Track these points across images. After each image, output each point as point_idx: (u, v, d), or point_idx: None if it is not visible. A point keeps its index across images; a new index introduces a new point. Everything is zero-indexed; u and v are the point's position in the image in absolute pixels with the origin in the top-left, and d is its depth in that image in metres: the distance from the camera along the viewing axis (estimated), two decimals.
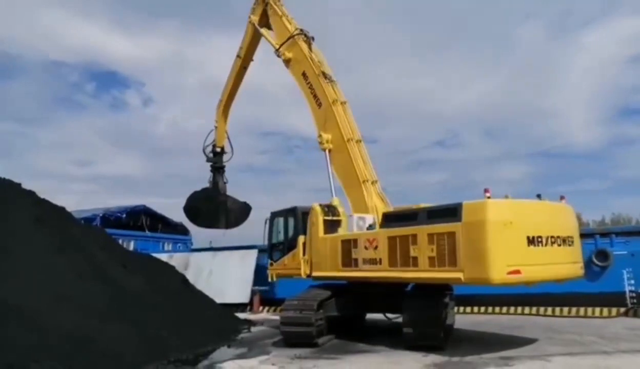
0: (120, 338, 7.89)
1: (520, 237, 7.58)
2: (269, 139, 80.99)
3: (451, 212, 7.96)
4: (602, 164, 69.65)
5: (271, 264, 12.02)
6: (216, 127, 15.73)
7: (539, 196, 8.57)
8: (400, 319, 9.18)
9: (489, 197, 7.69)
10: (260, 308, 15.96)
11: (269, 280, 12.37)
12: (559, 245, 8.08)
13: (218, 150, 15.89)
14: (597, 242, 13.38)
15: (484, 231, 7.43)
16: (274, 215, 12.16)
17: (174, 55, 70.78)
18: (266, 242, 12.35)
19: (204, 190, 16.38)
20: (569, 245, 8.34)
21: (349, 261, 9.67)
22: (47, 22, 63.52)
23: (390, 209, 10.56)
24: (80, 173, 77.84)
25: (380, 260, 8.95)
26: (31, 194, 10.91)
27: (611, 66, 62.99)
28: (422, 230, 8.28)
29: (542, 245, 7.79)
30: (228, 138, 16.14)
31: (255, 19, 13.84)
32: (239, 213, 16.80)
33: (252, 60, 14.76)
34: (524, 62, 65.64)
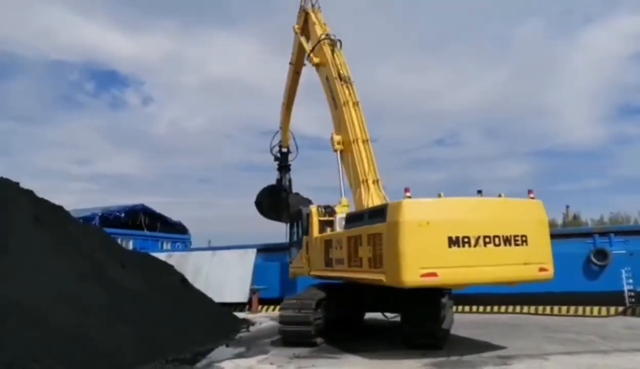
0: (118, 337, 7.88)
1: (439, 238, 7.25)
2: (269, 137, 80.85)
3: (380, 213, 7.88)
4: (601, 163, 69.60)
5: (290, 262, 12.66)
6: (281, 129, 16.52)
7: (479, 192, 8.25)
8: (398, 319, 9.18)
9: (409, 197, 7.51)
10: (259, 307, 15.96)
11: (290, 277, 13.06)
12: (497, 245, 7.48)
13: (284, 150, 16.88)
14: (596, 241, 13.41)
15: (398, 232, 7.25)
16: (292, 216, 12.90)
17: (174, 54, 70.71)
18: (287, 241, 13.14)
19: (271, 186, 17.36)
20: (517, 245, 7.65)
21: (328, 260, 9.91)
22: (47, 21, 63.42)
23: None
24: (80, 172, 77.78)
25: (343, 260, 9.09)
26: (29, 193, 10.90)
27: (612, 64, 62.97)
28: (364, 231, 8.32)
29: (469, 246, 7.33)
30: (293, 138, 17.11)
31: (298, 27, 14.46)
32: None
33: (305, 64, 15.12)
34: (524, 61, 65.61)
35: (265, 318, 13.65)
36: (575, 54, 63.87)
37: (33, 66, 72.13)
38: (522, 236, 7.68)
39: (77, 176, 76.33)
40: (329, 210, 11.01)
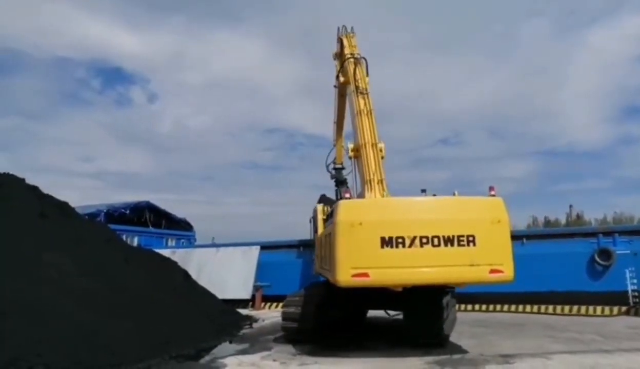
0: (122, 333, 7.93)
1: (371, 238, 7.21)
2: (273, 136, 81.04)
3: (332, 213, 7.98)
4: (605, 163, 69.38)
5: (313, 260, 12.73)
6: (334, 146, 16.98)
7: (423, 191, 8.16)
8: (401, 317, 9.19)
9: (347, 197, 7.58)
10: (262, 304, 16.01)
11: (313, 273, 13.13)
12: (436, 246, 7.28)
13: (339, 166, 17.11)
14: (600, 241, 13.35)
15: (334, 232, 7.35)
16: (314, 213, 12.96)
17: (180, 52, 70.86)
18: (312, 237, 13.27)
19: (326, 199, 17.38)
20: (461, 245, 7.35)
21: (323, 258, 9.91)
22: (54, 18, 63.64)
23: None
24: (84, 169, 78.12)
25: (323, 258, 9.18)
26: (34, 189, 10.97)
27: (616, 65, 62.64)
28: (327, 230, 8.44)
29: (403, 246, 7.24)
30: (346, 154, 17.29)
31: (335, 54, 14.91)
32: None
33: (349, 84, 15.59)
34: (528, 61, 65.35)
35: (268, 315, 13.69)
36: (580, 54, 63.62)
37: (39, 63, 72.44)
38: (468, 236, 7.37)
39: (82, 172, 76.74)
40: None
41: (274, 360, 7.98)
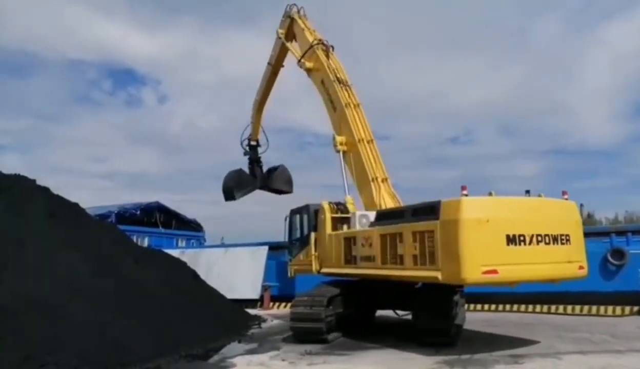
0: (132, 332, 8.00)
1: (498, 236, 7.31)
2: (282, 135, 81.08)
3: (431, 210, 7.84)
4: (617, 161, 68.52)
5: (290, 260, 12.57)
6: (252, 123, 17.00)
7: (527, 192, 8.33)
8: (410, 316, 9.15)
9: (465, 195, 7.51)
10: (271, 304, 16.04)
11: (289, 275, 12.91)
12: (547, 243, 7.65)
13: (254, 143, 17.17)
14: (613, 240, 13.20)
15: (458, 229, 7.23)
16: (293, 213, 12.60)
17: (191, 53, 71.24)
18: (286, 239, 12.92)
19: (239, 173, 17.22)
20: (562, 244, 7.85)
21: (349, 258, 9.79)
22: (66, 20, 64.39)
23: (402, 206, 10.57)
24: (95, 169, 78.87)
25: (374, 257, 8.98)
26: (45, 190, 11.08)
27: (630, 61, 61.84)
28: (407, 228, 8.20)
29: (524, 244, 7.43)
30: (263, 132, 17.39)
31: (282, 32, 14.66)
32: (284, 181, 17.74)
33: (283, 66, 15.57)
34: (541, 58, 64.81)
35: (276, 315, 13.72)
36: (593, 50, 62.97)
37: (52, 65, 73.31)
38: (565, 235, 7.91)
39: (93, 173, 77.49)
40: (341, 207, 10.96)
41: (283, 360, 7.98)
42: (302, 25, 13.80)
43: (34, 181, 11.10)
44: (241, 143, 17.11)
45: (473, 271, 7.15)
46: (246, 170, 17.17)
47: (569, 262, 7.96)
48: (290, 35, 14.61)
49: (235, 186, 16.85)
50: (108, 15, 66.79)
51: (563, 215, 8.23)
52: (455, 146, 79.55)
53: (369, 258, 9.14)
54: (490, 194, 7.81)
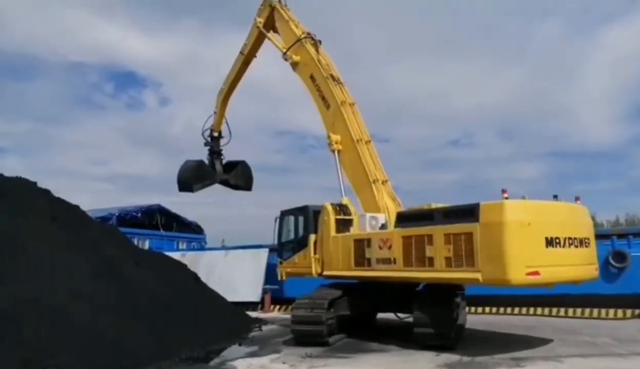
0: (133, 335, 8.00)
1: (538, 238, 7.57)
2: (283, 138, 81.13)
3: (468, 212, 7.93)
4: (617, 164, 68.27)
5: (281, 262, 12.09)
6: (215, 113, 16.23)
7: (555, 197, 8.51)
8: (411, 319, 9.14)
9: (506, 198, 7.67)
10: (271, 307, 16.03)
11: (279, 278, 12.46)
12: (576, 247, 8.06)
13: (215, 134, 16.45)
14: (614, 243, 13.15)
15: (502, 232, 7.41)
16: (284, 214, 12.18)
17: (192, 55, 71.11)
18: (275, 241, 12.32)
19: (200, 164, 16.36)
20: (585, 247, 8.30)
21: (362, 260, 9.63)
22: (67, 23, 64.44)
23: (402, 209, 10.55)
24: (97, 172, 78.75)
25: (395, 259, 8.92)
26: (46, 193, 11.10)
27: (630, 63, 61.75)
28: (439, 230, 8.24)
29: (560, 246, 7.76)
30: (227, 124, 16.65)
31: (261, 21, 14.07)
32: (244, 178, 17.13)
33: (255, 56, 15.00)
34: (541, 60, 64.69)
35: (277, 318, 13.70)
36: (593, 53, 62.79)
37: (53, 67, 73.36)
38: (587, 238, 8.40)
39: (94, 176, 77.29)
40: (344, 209, 10.75)
41: (284, 363, 7.97)
42: (286, 16, 13.29)
43: (35, 184, 11.12)
44: (202, 133, 16.44)
45: (517, 273, 7.35)
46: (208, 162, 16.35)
47: (589, 264, 8.42)
48: (269, 25, 13.96)
49: (194, 178, 16.02)
50: (109, 17, 66.87)
51: (585, 219, 8.70)
52: (456, 149, 79.46)
53: (387, 261, 9.09)
54: (523, 198, 8.15)
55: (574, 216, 8.46)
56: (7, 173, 11.32)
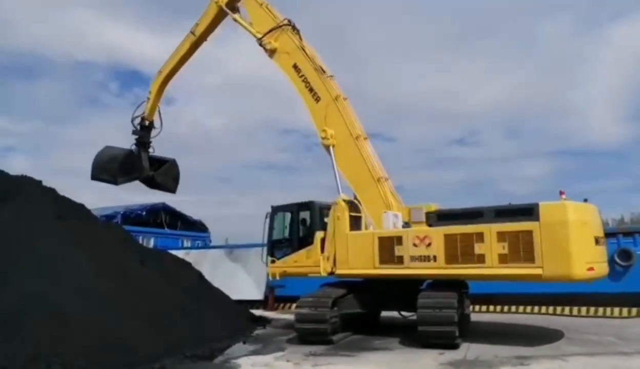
0: (137, 332, 8.02)
1: (590, 237, 8.29)
2: (288, 137, 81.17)
3: (526, 212, 8.42)
4: (623, 162, 67.98)
5: (272, 261, 11.46)
6: (149, 99, 14.96)
7: (585, 200, 8.95)
8: (415, 318, 9.13)
9: (565, 199, 8.23)
10: (275, 305, 16.05)
11: (270, 278, 11.99)
12: (602, 245, 8.81)
13: (146, 123, 15.09)
14: (620, 241, 13.08)
15: (566, 230, 7.97)
16: (277, 210, 11.61)
17: (196, 55, 71.26)
18: (265, 238, 11.62)
19: (129, 154, 14.85)
20: (604, 245, 8.97)
21: (390, 258, 9.49)
22: (74, 22, 64.77)
23: (403, 207, 10.53)
24: None
25: (435, 257, 9.01)
26: (52, 191, 11.16)
27: (637, 62, 61.33)
28: (491, 228, 8.55)
29: (598, 245, 8.50)
30: (159, 113, 15.45)
31: (224, 0, 13.10)
32: (172, 179, 15.92)
33: (206, 40, 14.14)
34: (548, 59, 64.44)
35: (281, 316, 13.71)
36: (601, 51, 62.55)
37: (60, 67, 73.71)
38: (604, 237, 9.13)
39: None
40: (354, 205, 10.53)
41: (288, 361, 7.99)
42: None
43: (40, 182, 11.18)
44: (132, 120, 14.88)
45: (580, 268, 7.96)
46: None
47: (604, 262, 8.96)
48: (231, 5, 13.01)
49: (120, 170, 14.36)
50: (115, 17, 67.19)
51: (600, 219, 9.23)
52: (461, 147, 79.35)
53: (425, 258, 9.12)
54: (585, 201, 8.82)
55: (596, 216, 9.02)
56: (14, 172, 11.43)
